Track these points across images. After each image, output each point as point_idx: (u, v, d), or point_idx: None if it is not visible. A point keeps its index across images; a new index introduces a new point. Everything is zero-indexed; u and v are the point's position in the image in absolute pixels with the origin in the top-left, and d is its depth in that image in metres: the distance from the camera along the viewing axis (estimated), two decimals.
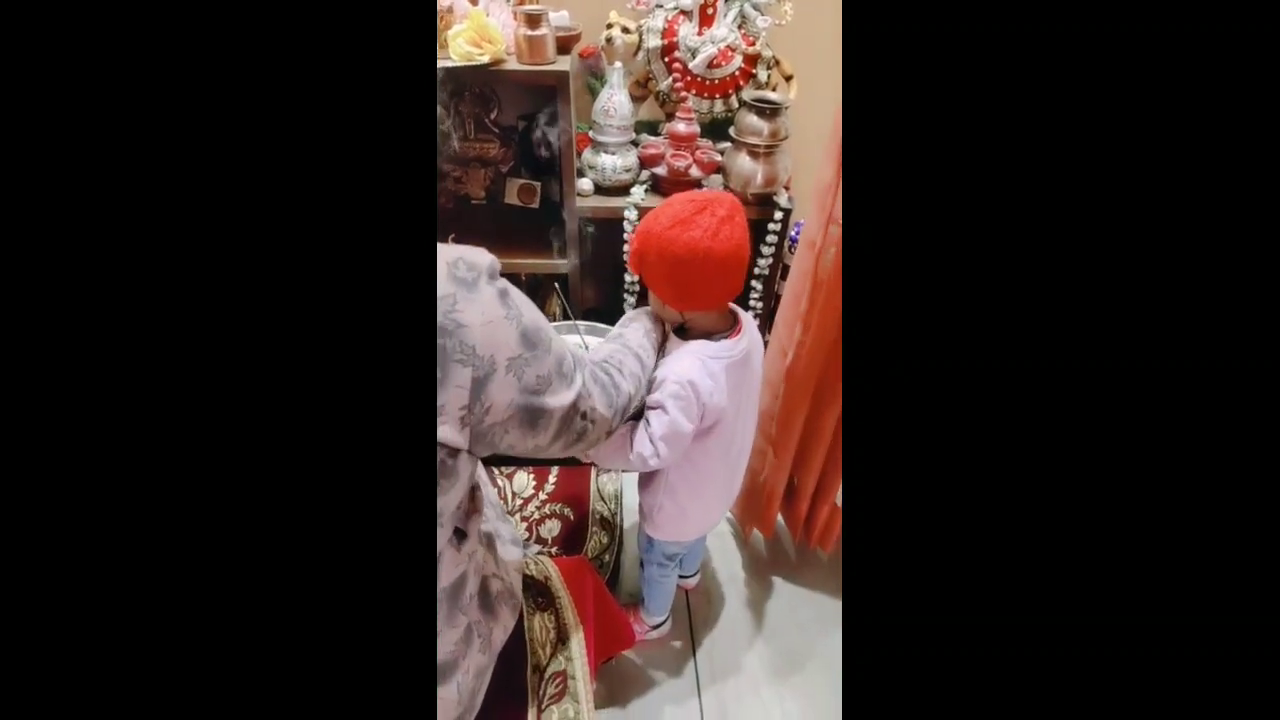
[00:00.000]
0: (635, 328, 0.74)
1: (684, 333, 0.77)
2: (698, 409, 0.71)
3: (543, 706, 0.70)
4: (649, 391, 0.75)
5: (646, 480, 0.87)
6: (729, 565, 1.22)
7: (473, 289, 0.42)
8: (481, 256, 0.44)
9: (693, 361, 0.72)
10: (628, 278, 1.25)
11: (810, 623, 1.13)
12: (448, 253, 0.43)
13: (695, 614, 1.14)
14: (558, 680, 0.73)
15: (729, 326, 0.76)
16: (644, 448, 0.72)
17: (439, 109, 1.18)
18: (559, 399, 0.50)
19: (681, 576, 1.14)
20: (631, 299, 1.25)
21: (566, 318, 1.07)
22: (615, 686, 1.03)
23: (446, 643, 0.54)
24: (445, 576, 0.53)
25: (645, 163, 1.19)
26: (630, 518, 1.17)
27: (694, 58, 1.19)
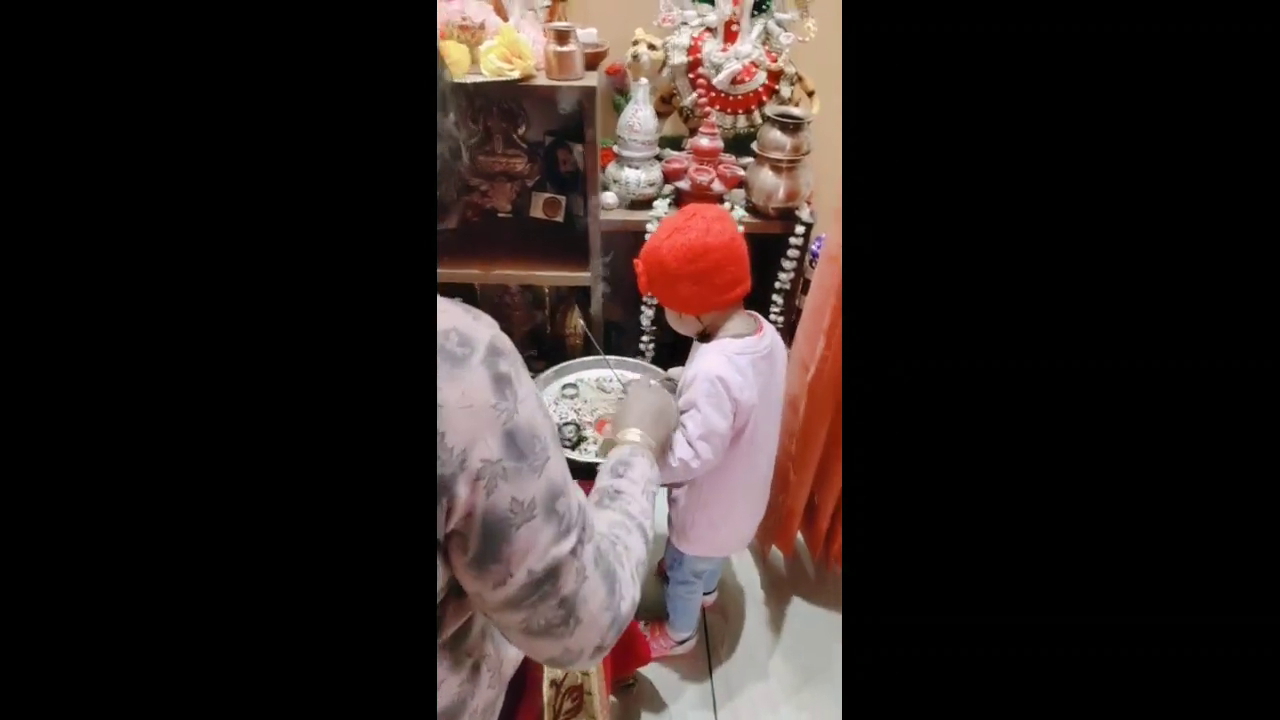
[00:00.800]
0: (635, 478, 0.59)
1: (707, 340, 0.77)
2: (730, 404, 0.72)
3: None
4: (677, 397, 0.75)
5: (677, 495, 0.87)
6: (747, 583, 1.21)
7: (460, 365, 0.34)
8: (482, 332, 0.36)
9: (719, 358, 0.72)
10: (646, 295, 1.26)
11: (829, 642, 1.11)
12: (445, 319, 0.35)
13: (713, 631, 1.12)
14: (574, 695, 0.72)
15: (751, 329, 0.77)
16: (683, 451, 0.72)
17: (469, 123, 1.21)
18: (537, 547, 0.37)
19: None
20: (649, 310, 1.26)
21: (590, 350, 1.06)
22: (631, 702, 1.01)
23: (450, 687, 0.48)
24: (448, 628, 0.46)
25: (669, 177, 1.20)
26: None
27: (718, 73, 1.21)
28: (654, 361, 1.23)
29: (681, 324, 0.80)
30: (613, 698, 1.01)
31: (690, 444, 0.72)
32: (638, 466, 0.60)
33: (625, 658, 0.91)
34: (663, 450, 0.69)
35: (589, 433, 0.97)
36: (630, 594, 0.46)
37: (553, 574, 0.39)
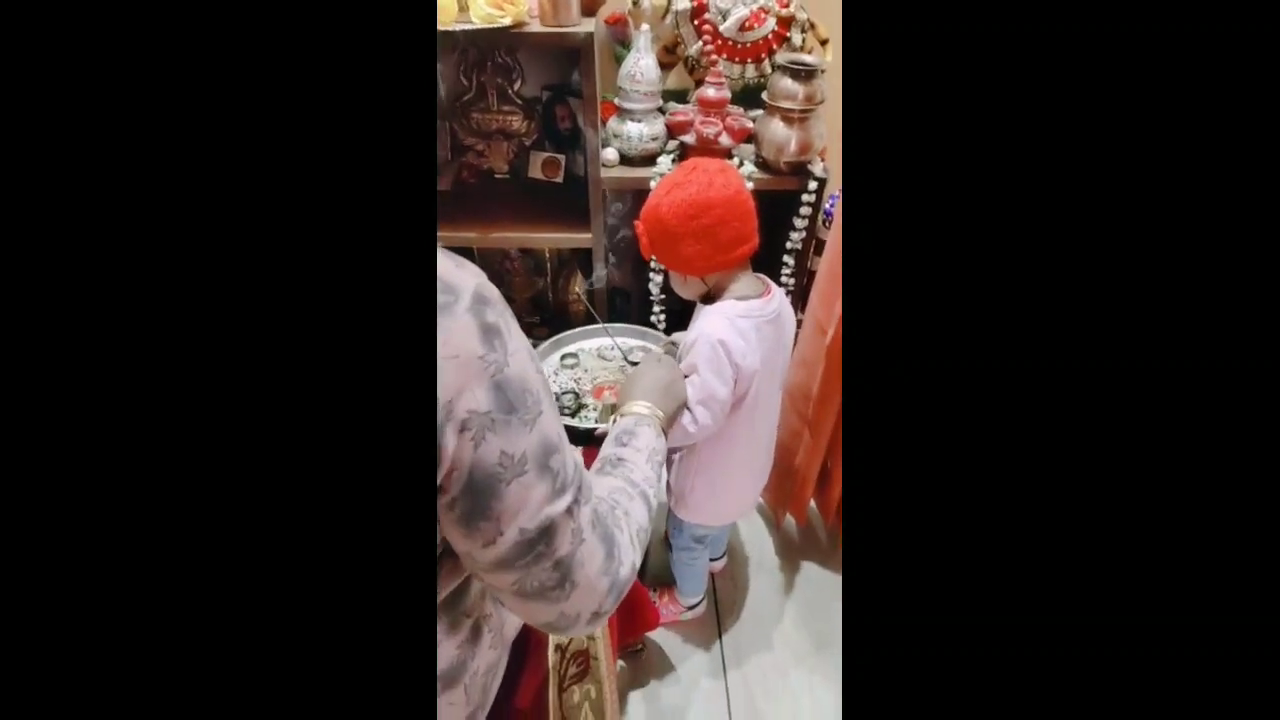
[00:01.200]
0: (639, 447, 0.57)
1: (711, 303, 0.74)
2: (731, 369, 0.69)
3: (564, 686, 0.69)
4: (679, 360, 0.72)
5: (675, 459, 0.85)
6: (758, 549, 1.19)
7: (444, 314, 0.33)
8: (466, 279, 0.34)
9: (721, 320, 0.69)
10: (653, 260, 1.21)
11: (840, 608, 1.09)
12: None
13: (722, 596, 1.11)
14: (579, 659, 0.71)
15: (758, 291, 0.73)
16: (681, 415, 0.69)
17: (462, 78, 1.16)
18: (529, 504, 0.36)
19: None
20: (659, 277, 1.21)
21: (591, 319, 1.03)
22: (639, 668, 1.01)
23: (449, 649, 0.47)
24: (444, 589, 0.45)
25: (673, 130, 1.14)
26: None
27: (725, 20, 1.14)
28: (666, 330, 1.19)
29: (685, 287, 0.76)
30: (621, 662, 1.01)
31: (689, 408, 0.69)
32: (643, 436, 0.59)
33: (633, 623, 0.90)
34: (671, 423, 0.67)
35: (588, 400, 0.95)
36: (630, 559, 0.44)
37: (546, 534, 0.38)
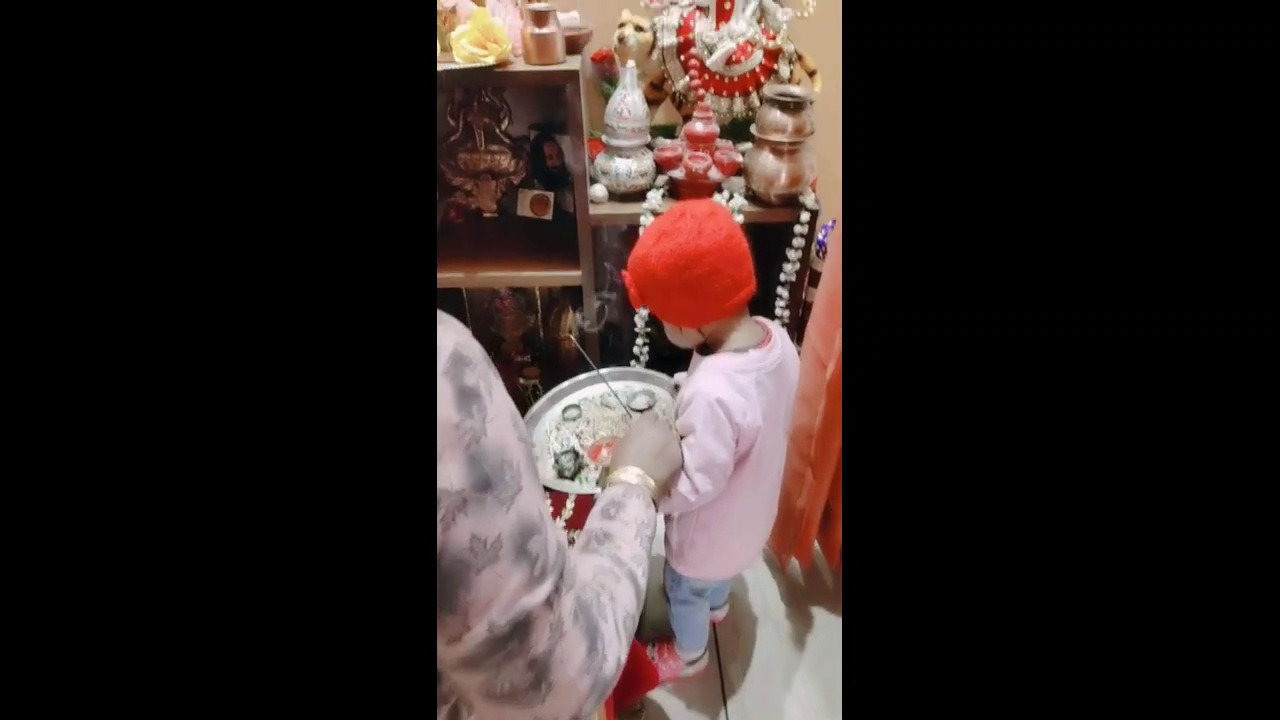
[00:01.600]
0: (627, 520, 0.54)
1: (709, 352, 0.70)
2: (731, 430, 0.64)
3: None
4: (676, 416, 0.68)
5: (675, 516, 0.80)
6: (761, 595, 1.14)
7: None
8: (445, 337, 0.31)
9: (718, 378, 0.64)
10: None
11: None
12: None
13: (725, 647, 1.05)
14: None
15: (758, 339, 0.69)
16: (681, 484, 0.64)
17: (449, 119, 1.15)
18: (502, 595, 0.32)
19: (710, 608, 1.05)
20: (644, 311, 1.19)
21: (583, 361, 0.98)
22: None
23: None
24: None
25: (662, 166, 1.13)
26: (653, 545, 1.09)
27: (711, 54, 1.13)
28: (649, 367, 1.16)
29: (681, 338, 0.71)
30: None
31: (688, 476, 0.64)
32: (631, 508, 0.55)
33: (630, 684, 0.84)
34: (664, 490, 0.62)
35: (588, 460, 0.89)
36: (615, 654, 0.40)
37: (520, 629, 0.34)
